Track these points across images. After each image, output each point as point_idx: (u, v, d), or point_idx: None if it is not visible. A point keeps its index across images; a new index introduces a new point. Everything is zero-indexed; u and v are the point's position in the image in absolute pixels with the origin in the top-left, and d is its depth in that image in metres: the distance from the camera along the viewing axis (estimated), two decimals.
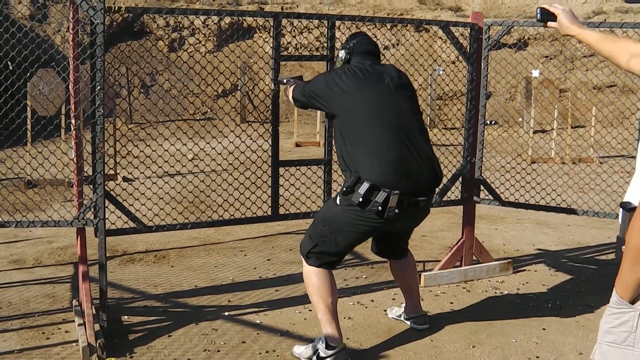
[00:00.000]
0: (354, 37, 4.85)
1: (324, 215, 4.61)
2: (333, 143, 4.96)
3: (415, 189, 4.40)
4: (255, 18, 19.08)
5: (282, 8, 19.54)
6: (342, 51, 4.79)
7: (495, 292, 5.98)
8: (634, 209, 2.38)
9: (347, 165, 4.46)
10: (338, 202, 4.44)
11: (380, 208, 4.29)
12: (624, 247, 2.38)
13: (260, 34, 19.52)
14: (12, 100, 5.02)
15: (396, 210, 4.31)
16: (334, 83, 4.55)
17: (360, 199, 4.30)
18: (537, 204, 6.42)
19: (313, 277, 4.57)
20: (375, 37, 17.25)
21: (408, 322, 5.16)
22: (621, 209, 2.57)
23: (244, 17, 18.89)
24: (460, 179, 6.34)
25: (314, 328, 5.12)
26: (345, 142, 4.49)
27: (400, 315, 5.25)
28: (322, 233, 4.54)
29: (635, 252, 2.29)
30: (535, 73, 13.46)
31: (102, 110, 4.76)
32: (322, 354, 4.49)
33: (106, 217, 4.89)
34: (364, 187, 4.29)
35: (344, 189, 4.36)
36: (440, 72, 14.99)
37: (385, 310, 5.47)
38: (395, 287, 5.99)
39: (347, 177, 4.45)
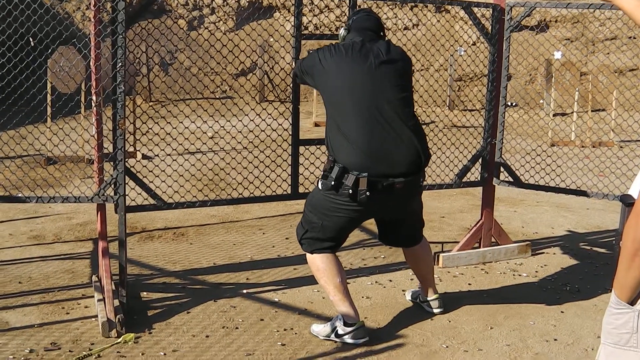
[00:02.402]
0: (355, 13, 4.82)
1: (310, 201, 4.62)
2: None
3: (391, 170, 4.34)
4: None
5: None
6: (342, 29, 4.76)
7: (514, 274, 5.97)
8: (632, 204, 2.34)
9: (327, 147, 4.49)
10: (320, 187, 4.46)
11: (350, 191, 4.29)
12: (621, 242, 2.35)
13: (281, 13, 19.46)
14: (34, 77, 5.04)
15: (367, 193, 4.28)
16: (319, 60, 4.53)
17: (332, 183, 4.33)
18: (556, 186, 6.39)
19: (316, 261, 4.60)
20: (396, 16, 17.10)
21: (424, 305, 5.16)
22: (621, 203, 2.54)
23: None
24: (480, 160, 6.31)
25: (332, 307, 5.13)
26: (327, 122, 4.52)
27: (416, 298, 5.24)
28: (310, 219, 4.57)
29: (631, 255, 2.26)
30: (557, 55, 13.35)
31: (123, 87, 4.77)
32: (340, 331, 4.52)
33: (126, 193, 4.91)
34: (335, 171, 4.33)
35: (322, 172, 4.42)
36: (462, 53, 14.90)
37: (403, 291, 5.47)
38: None
39: (327, 160, 4.47)
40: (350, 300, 4.59)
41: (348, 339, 4.51)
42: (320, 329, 4.65)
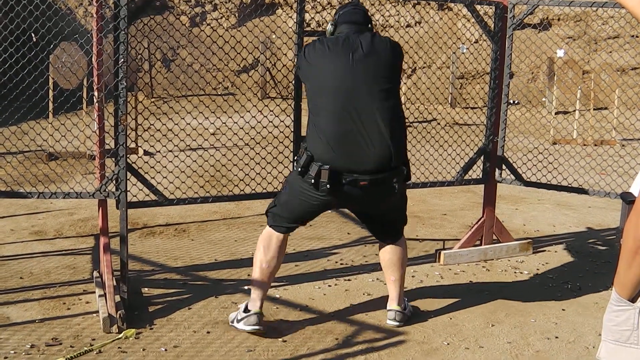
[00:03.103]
0: (341, 7, 4.76)
1: (287, 179, 4.71)
2: None
3: (356, 167, 4.33)
4: None
5: None
6: (329, 23, 4.75)
7: (515, 272, 5.97)
8: (633, 201, 2.34)
9: (306, 136, 4.56)
10: (294, 169, 4.57)
11: (313, 181, 4.34)
12: (622, 240, 2.35)
13: (283, 9, 19.45)
14: (36, 72, 5.03)
15: (327, 186, 4.30)
16: (304, 55, 4.57)
17: (300, 169, 4.42)
18: (558, 184, 6.38)
19: (261, 239, 4.67)
20: (399, 13, 17.08)
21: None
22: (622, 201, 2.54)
23: None
24: (481, 158, 6.31)
25: (333, 303, 5.14)
26: (308, 113, 4.55)
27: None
28: (281, 195, 4.67)
29: (632, 253, 2.26)
30: (560, 53, 13.34)
31: (125, 83, 4.77)
32: (238, 317, 4.61)
33: (128, 189, 4.91)
34: (303, 158, 4.40)
35: (295, 157, 4.54)
36: (464, 51, 14.90)
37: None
38: (414, 264, 6.00)
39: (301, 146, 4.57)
40: (264, 289, 4.64)
41: (242, 325, 4.55)
42: (232, 314, 4.75)
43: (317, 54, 4.49)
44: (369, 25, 4.70)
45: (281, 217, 4.62)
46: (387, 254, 4.85)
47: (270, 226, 4.67)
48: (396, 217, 4.83)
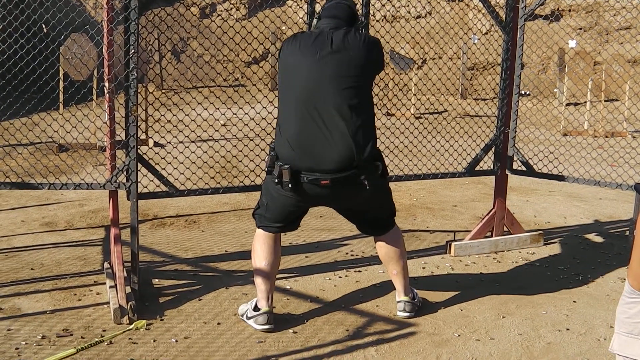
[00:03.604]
0: (328, 0, 4.67)
1: (264, 181, 4.69)
2: None
3: (317, 166, 4.27)
4: None
5: None
6: (315, 17, 4.71)
7: (526, 264, 5.96)
8: None
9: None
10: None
11: (276, 180, 4.34)
12: (635, 231, 2.34)
13: (294, 0, 19.43)
14: (46, 64, 5.03)
15: (289, 185, 4.29)
16: (281, 50, 4.53)
17: (267, 168, 4.45)
18: (569, 176, 6.36)
19: (256, 237, 4.69)
20: (410, 4, 17.05)
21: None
22: (635, 192, 2.53)
23: None
24: (492, 149, 6.28)
25: (344, 295, 5.14)
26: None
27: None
28: (261, 197, 4.68)
29: None
30: (572, 43, 13.29)
31: (135, 74, 4.76)
32: (248, 314, 4.61)
33: (138, 180, 4.91)
34: (268, 158, 4.44)
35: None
36: (476, 41, 14.85)
37: (415, 278, 5.46)
38: (425, 256, 6.00)
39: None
40: (269, 286, 4.61)
41: (252, 323, 4.56)
42: (242, 307, 4.75)
43: (289, 50, 4.41)
44: (353, 20, 4.58)
45: (266, 218, 4.62)
46: (383, 249, 4.81)
47: (259, 227, 4.67)
48: (379, 212, 4.75)
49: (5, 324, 4.49)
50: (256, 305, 4.59)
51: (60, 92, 9.95)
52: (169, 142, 7.31)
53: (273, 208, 4.56)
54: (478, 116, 8.73)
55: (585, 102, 14.28)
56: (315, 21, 4.67)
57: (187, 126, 5.86)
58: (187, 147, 6.15)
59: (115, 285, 4.78)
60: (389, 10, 17.70)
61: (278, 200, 4.50)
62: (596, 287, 5.46)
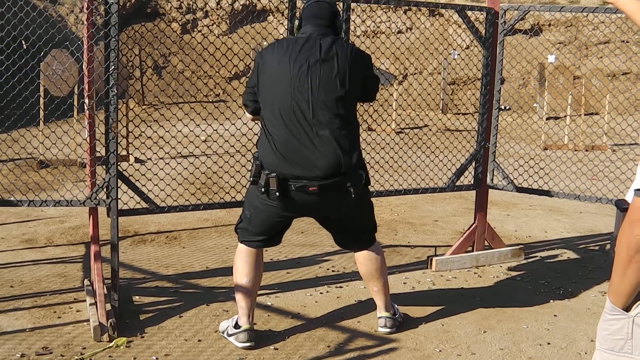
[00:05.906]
0: (307, 1, 4.63)
1: (246, 193, 4.65)
2: None
3: (304, 173, 4.25)
4: (269, 0, 19.05)
5: None
6: (297, 18, 4.69)
7: (507, 278, 5.97)
8: (627, 209, 2.34)
9: (256, 144, 4.52)
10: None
11: (263, 189, 4.31)
12: (616, 248, 2.35)
13: (274, 16, 19.46)
14: (26, 80, 5.02)
15: (277, 193, 4.26)
16: (260, 56, 4.45)
17: (252, 178, 4.40)
18: (550, 190, 6.38)
19: (238, 253, 4.66)
20: (390, 19, 17.10)
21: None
22: (616, 208, 2.54)
23: None
24: (473, 164, 6.30)
25: (326, 311, 5.13)
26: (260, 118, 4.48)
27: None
28: (244, 210, 4.63)
29: (625, 262, 2.26)
30: (551, 58, 13.39)
31: (115, 90, 4.75)
32: (229, 331, 4.59)
33: (119, 197, 4.89)
34: (253, 167, 4.39)
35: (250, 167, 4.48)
36: (456, 57, 14.93)
37: (396, 294, 5.46)
38: (406, 271, 6.00)
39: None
40: (249, 303, 4.58)
41: (233, 340, 4.54)
42: (223, 324, 4.73)
43: (275, 56, 4.36)
44: (335, 19, 4.57)
45: (250, 231, 4.58)
46: (363, 266, 4.77)
47: (242, 242, 4.64)
48: (362, 224, 4.74)
49: None
50: (237, 322, 4.57)
51: (40, 108, 9.92)
52: (150, 159, 7.29)
53: (256, 220, 4.52)
54: (459, 131, 8.77)
55: (565, 116, 14.37)
56: (297, 22, 4.63)
57: (168, 142, 5.84)
58: (168, 163, 6.13)
59: (96, 302, 4.75)
60: (369, 26, 17.76)
61: (262, 212, 4.46)
62: (577, 301, 5.48)
